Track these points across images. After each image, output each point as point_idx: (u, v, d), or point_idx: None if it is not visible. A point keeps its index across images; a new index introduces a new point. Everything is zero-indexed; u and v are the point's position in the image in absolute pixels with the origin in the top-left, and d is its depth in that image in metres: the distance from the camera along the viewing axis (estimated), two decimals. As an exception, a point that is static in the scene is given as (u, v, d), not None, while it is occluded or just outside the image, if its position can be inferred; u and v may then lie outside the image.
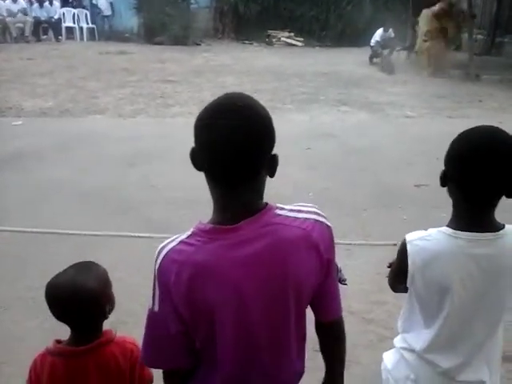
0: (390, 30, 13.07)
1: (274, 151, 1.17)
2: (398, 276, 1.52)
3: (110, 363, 1.51)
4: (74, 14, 16.15)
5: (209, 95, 7.57)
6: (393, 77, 11.53)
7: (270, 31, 17.42)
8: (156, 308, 1.20)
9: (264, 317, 1.19)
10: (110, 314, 1.56)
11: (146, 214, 4.39)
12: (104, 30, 16.85)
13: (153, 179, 5.20)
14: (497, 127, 1.38)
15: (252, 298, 1.17)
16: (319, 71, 11.83)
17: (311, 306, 1.32)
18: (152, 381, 1.60)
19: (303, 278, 1.20)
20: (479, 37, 14.87)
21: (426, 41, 12.03)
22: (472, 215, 1.40)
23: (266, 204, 1.20)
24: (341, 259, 1.45)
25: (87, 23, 16.38)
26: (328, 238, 1.24)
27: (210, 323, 1.17)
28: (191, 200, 4.39)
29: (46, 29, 16.06)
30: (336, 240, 1.29)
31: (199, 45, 16.05)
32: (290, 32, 17.58)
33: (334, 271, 1.30)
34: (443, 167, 1.42)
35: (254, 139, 1.10)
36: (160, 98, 8.92)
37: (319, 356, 1.49)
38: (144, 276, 2.40)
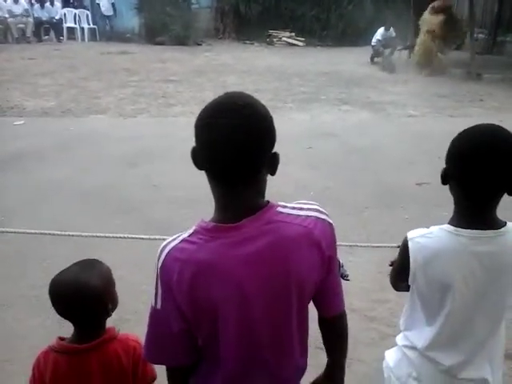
0: (391, 29, 13.06)
1: (275, 150, 1.18)
2: (400, 274, 1.53)
3: (113, 360, 1.52)
4: (75, 14, 16.17)
5: (210, 95, 7.58)
6: (394, 76, 11.53)
7: (271, 31, 17.42)
8: (158, 306, 1.20)
9: (266, 314, 1.20)
10: (112, 311, 1.57)
11: (147, 214, 4.40)
12: (105, 31, 16.87)
13: (154, 179, 5.21)
14: (497, 125, 1.38)
15: (254, 295, 1.17)
16: (320, 71, 11.83)
17: (314, 302, 1.32)
18: (155, 378, 1.61)
19: (305, 275, 1.21)
20: (481, 36, 14.87)
21: (424, 40, 12.04)
22: (473, 213, 1.40)
23: (268, 202, 1.20)
24: (342, 258, 1.45)
25: (88, 24, 16.40)
26: (330, 235, 1.24)
27: (212, 321, 1.18)
28: (192, 199, 4.40)
29: (48, 29, 16.08)
30: (338, 242, 1.29)
31: (200, 45, 16.06)
32: (291, 32, 17.57)
33: (336, 267, 1.31)
34: (445, 166, 1.43)
35: (255, 138, 1.11)
36: (161, 98, 8.93)
37: (321, 353, 1.50)
38: (146, 274, 2.41)
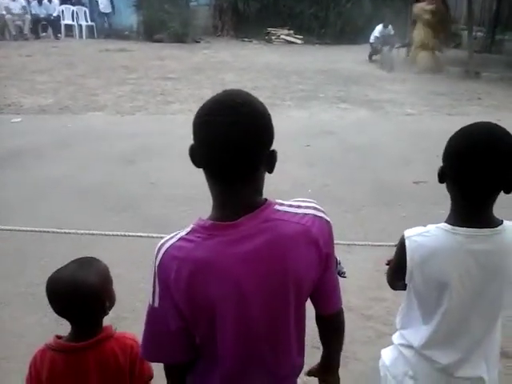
0: (390, 26, 13.06)
1: (273, 148, 1.17)
2: (397, 272, 1.53)
3: (110, 359, 1.52)
4: (73, 11, 16.12)
5: (208, 92, 7.57)
6: (392, 74, 11.52)
7: (269, 29, 17.40)
8: (156, 304, 1.20)
9: (264, 312, 1.20)
10: (110, 310, 1.57)
11: (145, 211, 4.39)
12: (103, 28, 16.83)
13: (152, 176, 5.21)
14: (494, 124, 1.38)
15: (252, 293, 1.17)
16: (318, 69, 11.82)
17: (311, 300, 1.33)
18: (152, 377, 1.61)
19: (303, 273, 1.21)
20: (479, 34, 14.85)
21: (420, 32, 12.07)
22: (470, 211, 1.40)
23: (266, 200, 1.20)
24: (340, 255, 1.45)
25: (86, 21, 16.35)
26: (327, 233, 1.25)
27: (210, 319, 1.18)
28: (190, 197, 4.40)
29: (45, 26, 16.05)
30: (336, 240, 1.29)
31: (199, 42, 16.04)
32: (289, 30, 17.55)
33: (333, 265, 1.31)
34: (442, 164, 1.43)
35: (253, 136, 1.11)
36: (160, 95, 8.92)
37: (318, 353, 1.50)
38: (143, 272, 2.41)
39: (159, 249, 1.19)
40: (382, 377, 1.66)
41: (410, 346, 1.55)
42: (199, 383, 1.28)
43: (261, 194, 1.21)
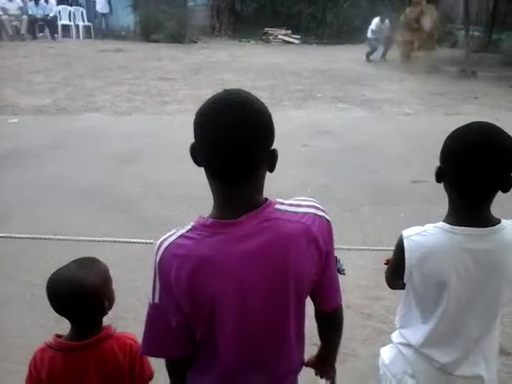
0: (387, 20, 13.11)
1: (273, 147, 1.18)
2: (396, 272, 1.53)
3: (109, 358, 1.52)
4: (69, 11, 16.09)
5: (206, 92, 7.57)
6: (389, 74, 11.53)
7: (266, 29, 17.38)
8: (156, 301, 1.21)
9: (264, 310, 1.21)
10: (109, 309, 1.57)
11: (142, 211, 4.39)
12: (100, 28, 16.79)
13: (149, 176, 5.21)
14: (491, 123, 1.38)
15: (253, 292, 1.18)
16: (316, 68, 11.83)
17: (311, 297, 1.33)
18: (152, 376, 1.61)
19: (303, 271, 1.21)
20: (476, 34, 14.88)
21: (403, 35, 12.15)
22: (468, 210, 1.41)
23: (266, 199, 1.21)
24: (339, 254, 1.46)
25: (83, 21, 16.31)
26: (327, 232, 1.25)
27: (210, 316, 1.19)
28: (188, 197, 4.40)
29: (42, 27, 15.98)
30: (335, 243, 1.30)
31: (196, 42, 16.02)
32: (286, 29, 17.54)
33: (333, 263, 1.32)
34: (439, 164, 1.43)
35: (253, 135, 1.11)
36: (157, 96, 8.91)
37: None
38: (142, 273, 2.41)
39: (159, 246, 1.19)
40: (381, 375, 1.66)
41: (409, 345, 1.56)
42: (199, 379, 1.29)
43: (261, 192, 1.21)
